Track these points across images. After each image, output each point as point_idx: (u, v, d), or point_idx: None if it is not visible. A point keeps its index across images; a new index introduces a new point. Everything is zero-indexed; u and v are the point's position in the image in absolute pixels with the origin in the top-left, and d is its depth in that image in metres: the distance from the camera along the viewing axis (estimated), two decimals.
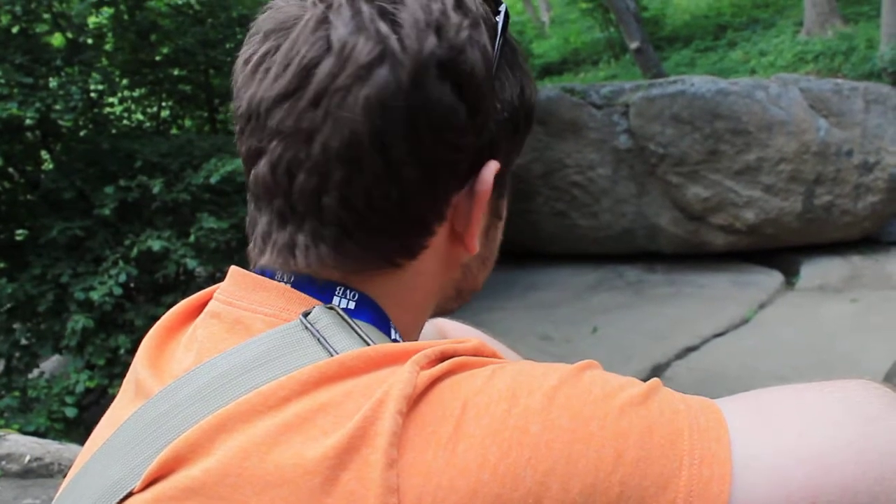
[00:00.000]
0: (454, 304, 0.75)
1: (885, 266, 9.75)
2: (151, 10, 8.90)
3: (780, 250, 10.08)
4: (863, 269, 9.75)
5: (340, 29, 0.59)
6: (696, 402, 0.55)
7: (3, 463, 3.65)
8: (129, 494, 0.54)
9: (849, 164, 9.59)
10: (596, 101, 10.18)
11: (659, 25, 16.90)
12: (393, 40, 0.58)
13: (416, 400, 0.51)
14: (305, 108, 0.59)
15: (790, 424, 0.53)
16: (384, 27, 0.59)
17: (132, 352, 6.60)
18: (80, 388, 6.63)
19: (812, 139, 9.50)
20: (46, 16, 8.00)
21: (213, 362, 0.58)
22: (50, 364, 7.86)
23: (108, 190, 7.15)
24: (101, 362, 6.91)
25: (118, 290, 6.84)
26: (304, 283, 0.64)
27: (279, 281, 0.64)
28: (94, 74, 8.03)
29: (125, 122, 9.30)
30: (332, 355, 0.56)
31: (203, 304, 0.69)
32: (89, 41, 8.37)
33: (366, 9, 0.60)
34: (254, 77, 0.62)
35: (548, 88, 10.58)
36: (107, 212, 7.09)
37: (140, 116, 9.67)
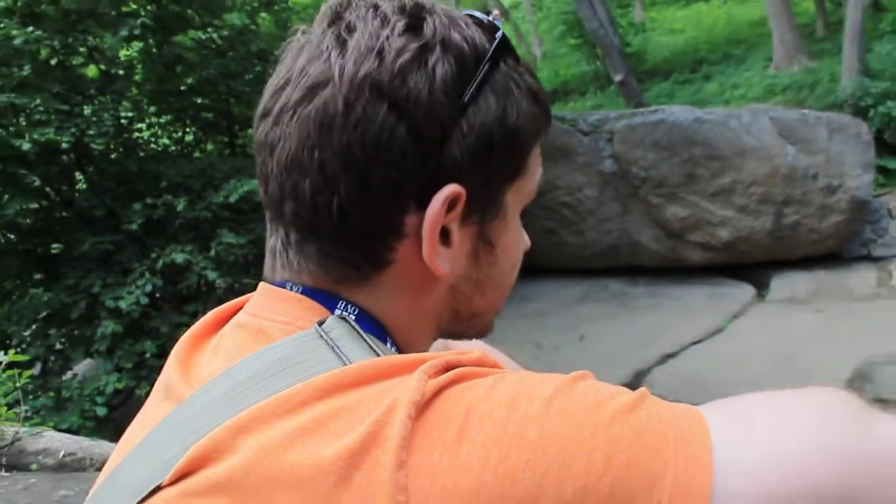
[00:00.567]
0: (462, 327, 0.72)
1: (847, 280, 9.76)
2: (177, 44, 8.93)
3: (751, 265, 10.09)
4: (827, 283, 9.76)
5: (304, 56, 0.61)
6: (681, 409, 0.54)
7: (40, 457, 3.63)
8: (158, 488, 0.54)
9: (814, 186, 9.61)
10: (584, 129, 10.21)
11: (641, 60, 16.99)
12: (338, 65, 0.59)
13: (423, 406, 0.51)
14: (271, 125, 0.62)
15: (766, 430, 0.53)
16: (334, 53, 0.59)
17: (158, 356, 6.64)
18: (109, 389, 6.62)
19: (781, 164, 9.52)
20: (82, 49, 8.04)
21: (236, 368, 0.58)
22: (82, 367, 7.85)
23: (136, 207, 7.17)
24: (129, 365, 6.90)
25: (145, 300, 6.86)
26: (310, 293, 0.64)
27: (291, 291, 0.65)
28: (125, 103, 8.08)
29: (152, 146, 9.32)
30: (345, 364, 0.56)
31: (229, 315, 0.69)
32: (120, 72, 8.41)
33: (328, 37, 0.61)
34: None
35: None
36: (134, 227, 7.11)
37: (166, 141, 9.69)
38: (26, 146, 6.54)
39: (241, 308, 0.69)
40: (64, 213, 8.02)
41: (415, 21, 0.61)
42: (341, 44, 0.60)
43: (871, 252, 10.20)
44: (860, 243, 10.28)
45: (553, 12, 20.01)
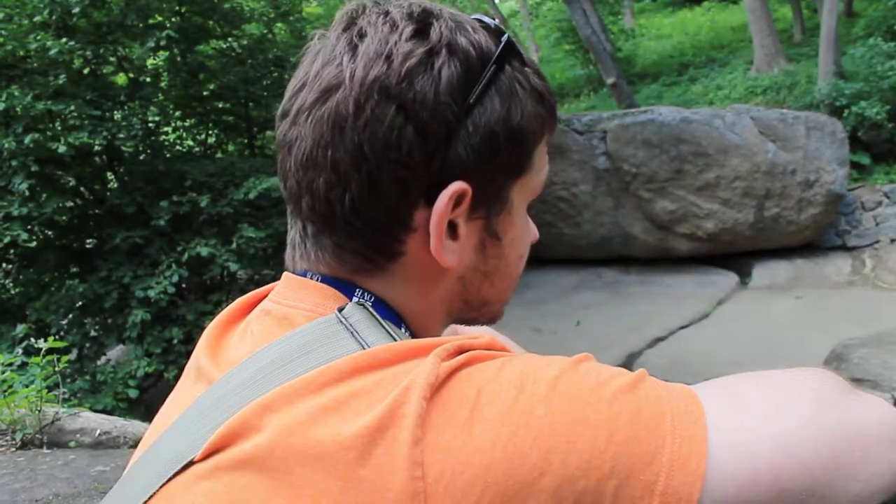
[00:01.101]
0: (473, 314, 0.71)
1: (823, 268, 9.75)
2: (200, 53, 8.93)
3: (735, 255, 10.08)
4: (805, 271, 9.75)
5: (319, 60, 0.61)
6: (677, 388, 0.54)
7: (78, 436, 3.65)
8: (191, 463, 0.54)
9: (793, 181, 9.59)
10: (578, 128, 10.19)
11: (631, 63, 16.92)
12: (349, 69, 0.59)
13: (437, 387, 0.50)
14: (289, 125, 0.62)
15: (757, 409, 0.53)
16: (346, 58, 0.59)
17: (184, 342, 6.67)
18: (140, 373, 6.65)
19: (762, 160, 9.50)
20: (112, 59, 8.06)
21: (262, 352, 0.58)
22: (115, 353, 7.88)
23: (164, 204, 7.19)
24: (158, 351, 6.93)
25: (172, 289, 6.88)
26: (329, 282, 0.64)
27: (312, 280, 0.65)
28: (152, 108, 8.09)
29: (178, 147, 9.34)
30: (364, 348, 0.56)
31: (254, 303, 0.69)
32: (148, 80, 8.43)
33: (341, 43, 0.61)
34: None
35: None
36: (162, 223, 7.12)
37: (190, 143, 9.70)
38: (62, 149, 6.56)
39: (265, 296, 0.69)
40: (97, 211, 8.04)
41: (422, 26, 0.60)
42: (353, 49, 0.60)
43: (845, 242, 10.18)
44: (836, 234, 10.26)
45: (548, 20, 19.95)
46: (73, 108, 6.74)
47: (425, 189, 0.60)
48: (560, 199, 10.20)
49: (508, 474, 0.48)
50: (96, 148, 7.27)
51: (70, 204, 7.71)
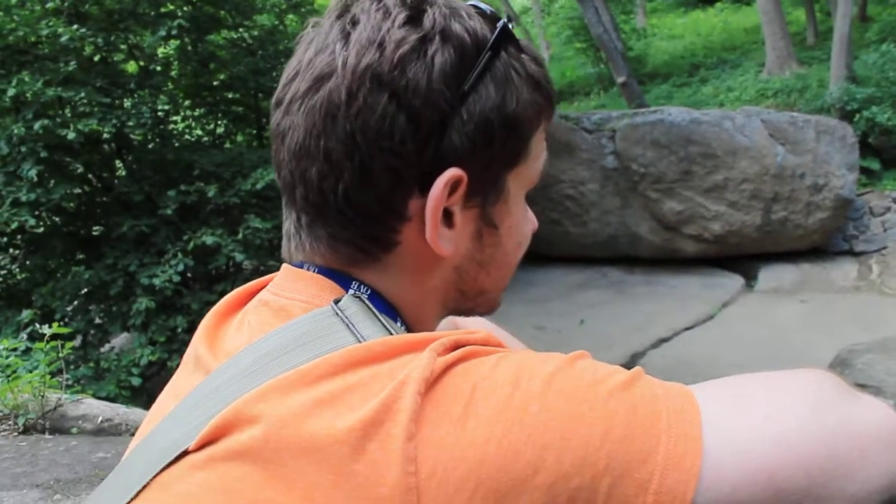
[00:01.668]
0: (469, 304, 0.71)
1: (830, 273, 9.72)
2: (211, 43, 8.92)
3: (741, 257, 10.06)
4: (811, 275, 9.72)
5: (312, 48, 0.61)
6: (674, 387, 0.54)
7: (80, 422, 3.67)
8: (186, 453, 0.54)
9: (801, 185, 9.55)
10: (587, 127, 10.17)
11: (642, 63, 16.87)
12: (341, 57, 0.58)
13: (432, 382, 0.50)
14: (282, 114, 0.62)
15: (755, 408, 0.53)
16: (339, 46, 0.59)
17: (188, 331, 6.69)
18: (143, 361, 6.66)
19: (771, 163, 9.47)
20: (123, 47, 8.07)
21: (258, 343, 0.58)
22: (119, 340, 7.90)
23: (171, 193, 7.20)
24: (162, 339, 6.95)
25: (177, 278, 6.89)
26: (325, 273, 0.64)
27: (309, 271, 0.64)
28: (162, 96, 8.09)
29: (186, 136, 9.34)
30: (359, 341, 0.55)
31: (252, 293, 0.69)
32: (158, 69, 8.42)
33: (334, 30, 0.61)
34: None
35: None
36: (169, 212, 7.14)
37: (199, 132, 9.70)
38: (71, 136, 6.58)
39: (262, 287, 0.69)
40: (104, 198, 8.05)
41: (415, 13, 0.60)
42: (345, 36, 0.59)
43: (853, 247, 10.14)
44: (843, 239, 10.22)
45: (560, 17, 19.88)
46: (83, 95, 6.75)
47: (419, 178, 0.59)
48: (567, 197, 10.19)
49: (502, 470, 0.47)
50: (105, 135, 7.26)
51: (78, 191, 7.73)
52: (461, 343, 0.54)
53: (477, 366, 0.52)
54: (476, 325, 0.90)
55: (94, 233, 7.80)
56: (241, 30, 9.15)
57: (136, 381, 6.50)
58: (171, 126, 8.97)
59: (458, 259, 0.65)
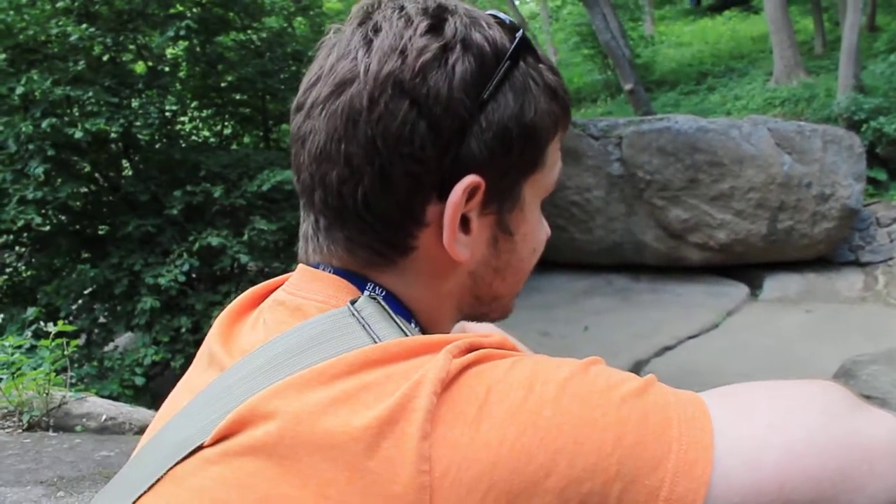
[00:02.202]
0: (483, 309, 0.71)
1: (835, 283, 9.70)
2: (219, 44, 8.96)
3: (746, 266, 10.03)
4: (816, 285, 9.69)
5: (334, 54, 0.62)
6: (685, 395, 0.54)
7: (84, 420, 3.67)
8: (200, 448, 0.55)
9: (808, 194, 9.54)
10: (594, 133, 10.17)
11: (649, 70, 16.88)
12: (363, 64, 0.59)
13: (448, 384, 0.51)
14: (303, 119, 0.62)
15: (765, 418, 0.53)
16: (361, 53, 0.60)
17: (192, 331, 6.68)
18: (147, 361, 6.67)
19: (777, 172, 9.45)
20: (132, 47, 8.10)
21: (275, 342, 0.59)
22: (123, 340, 7.91)
23: (177, 194, 7.22)
24: (166, 339, 6.96)
25: (182, 278, 6.91)
26: (342, 274, 0.64)
27: (325, 272, 0.65)
28: (170, 97, 8.11)
29: (194, 137, 9.35)
30: (375, 342, 0.56)
31: (267, 293, 0.70)
32: (166, 69, 8.45)
33: (356, 37, 0.61)
34: None
35: None
36: (175, 212, 7.15)
37: (206, 133, 9.73)
38: (78, 135, 6.60)
39: (277, 287, 0.69)
40: (111, 198, 8.08)
41: (437, 22, 0.60)
42: (367, 43, 0.60)
43: (859, 258, 10.12)
44: (849, 249, 10.20)
45: (568, 24, 19.89)
46: (91, 94, 6.78)
47: (437, 184, 0.60)
48: (573, 203, 10.19)
49: (514, 473, 0.48)
50: (112, 135, 7.29)
51: (84, 190, 7.75)
52: (476, 346, 0.55)
53: (492, 369, 0.53)
54: (488, 330, 0.90)
55: (100, 232, 7.82)
56: (249, 32, 9.17)
57: (139, 381, 6.51)
58: (179, 127, 9.00)
59: (473, 264, 0.66)
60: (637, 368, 7.52)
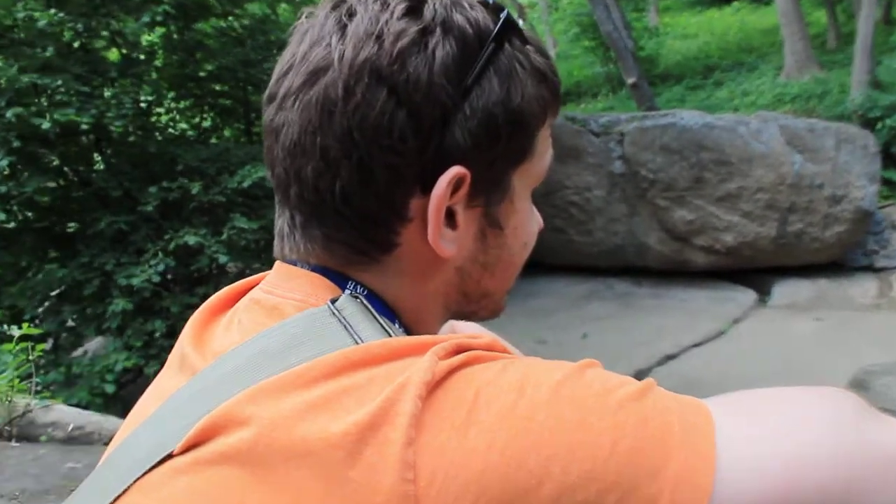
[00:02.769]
0: (472, 307, 0.71)
1: (847, 289, 9.73)
2: (198, 31, 8.93)
3: (754, 271, 10.06)
4: (828, 291, 9.72)
5: (307, 41, 0.61)
6: (687, 400, 0.54)
7: (50, 430, 3.66)
8: (170, 457, 0.54)
9: (820, 195, 9.57)
10: (594, 130, 10.19)
11: (654, 64, 16.93)
12: (338, 51, 0.59)
13: (434, 387, 0.50)
14: (276, 110, 0.62)
15: (771, 425, 0.53)
16: (335, 39, 0.59)
17: (167, 336, 6.65)
18: (118, 367, 6.64)
19: (788, 172, 9.48)
20: (104, 33, 8.05)
21: (249, 343, 0.59)
22: (93, 344, 7.88)
23: (152, 190, 7.19)
24: (139, 344, 6.92)
25: (156, 279, 6.88)
26: (321, 272, 0.64)
27: (304, 269, 0.65)
28: (145, 87, 8.08)
29: (170, 130, 9.32)
30: (357, 343, 0.56)
31: (243, 292, 0.70)
32: (142, 57, 8.40)
33: (329, 22, 0.61)
34: None
35: None
36: (150, 209, 7.12)
37: (184, 125, 9.70)
38: (47, 126, 6.55)
39: (254, 285, 0.69)
40: (81, 193, 8.02)
41: (415, 4, 0.60)
42: (342, 28, 0.60)
43: (873, 263, 10.16)
44: (862, 254, 10.23)
45: (568, 14, 19.94)
46: (60, 82, 6.73)
47: (420, 176, 0.60)
48: (571, 203, 10.20)
49: (505, 480, 0.48)
50: (83, 126, 7.25)
51: (52, 184, 7.69)
52: (464, 347, 0.55)
53: (481, 371, 0.52)
54: (475, 331, 0.90)
55: (69, 229, 7.77)
56: (230, 18, 9.15)
57: (109, 389, 6.48)
58: (154, 118, 8.96)
59: (460, 260, 0.66)
60: (638, 377, 7.37)
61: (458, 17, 0.60)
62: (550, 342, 8.40)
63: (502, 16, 0.62)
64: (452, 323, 0.84)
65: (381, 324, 0.59)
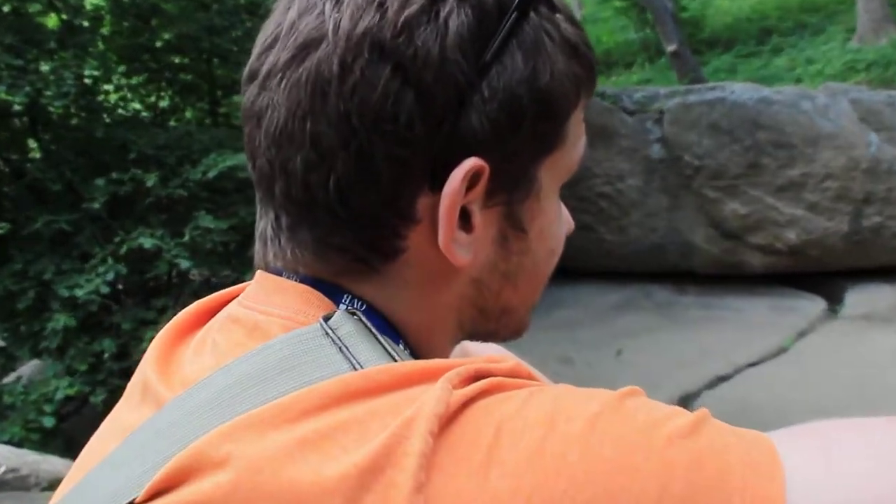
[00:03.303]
0: (492, 326, 0.71)
1: None
2: None
3: (823, 274, 10.02)
4: None
5: (295, 8, 0.61)
6: (749, 435, 0.54)
7: None
8: None
9: None
10: (628, 107, 10.18)
11: (698, 27, 16.90)
12: (332, 20, 0.59)
13: (448, 421, 0.50)
14: (258, 91, 0.62)
15: (853, 464, 0.53)
16: (329, 6, 0.59)
17: (117, 357, 6.62)
18: (59, 396, 6.61)
19: (862, 155, 9.46)
20: None
21: (226, 370, 0.58)
22: (28, 369, 7.88)
23: (99, 182, 7.19)
24: (84, 368, 6.89)
25: (105, 289, 6.86)
26: (312, 283, 0.64)
27: (291, 280, 0.65)
28: (90, 59, 8.09)
29: (120, 111, 9.33)
30: (355, 368, 0.56)
31: (218, 307, 0.70)
32: (85, 24, 8.41)
33: None
34: None
35: None
36: (96, 206, 7.12)
37: (137, 105, 9.71)
38: None
39: (231, 299, 0.69)
40: (13, 187, 8.05)
41: None
42: None
43: None
44: None
45: None
46: None
47: (429, 170, 0.60)
48: (601, 195, 10.19)
49: None
50: (16, 107, 7.28)
51: None
52: (483, 373, 0.55)
53: (503, 401, 0.53)
54: (491, 352, 0.90)
55: None
56: None
57: (48, 422, 6.46)
58: (102, 97, 8.95)
59: (477, 270, 0.66)
60: (682, 404, 7.49)
61: None
62: (577, 362, 8.40)
63: None
64: (465, 344, 0.84)
65: (383, 345, 0.59)
